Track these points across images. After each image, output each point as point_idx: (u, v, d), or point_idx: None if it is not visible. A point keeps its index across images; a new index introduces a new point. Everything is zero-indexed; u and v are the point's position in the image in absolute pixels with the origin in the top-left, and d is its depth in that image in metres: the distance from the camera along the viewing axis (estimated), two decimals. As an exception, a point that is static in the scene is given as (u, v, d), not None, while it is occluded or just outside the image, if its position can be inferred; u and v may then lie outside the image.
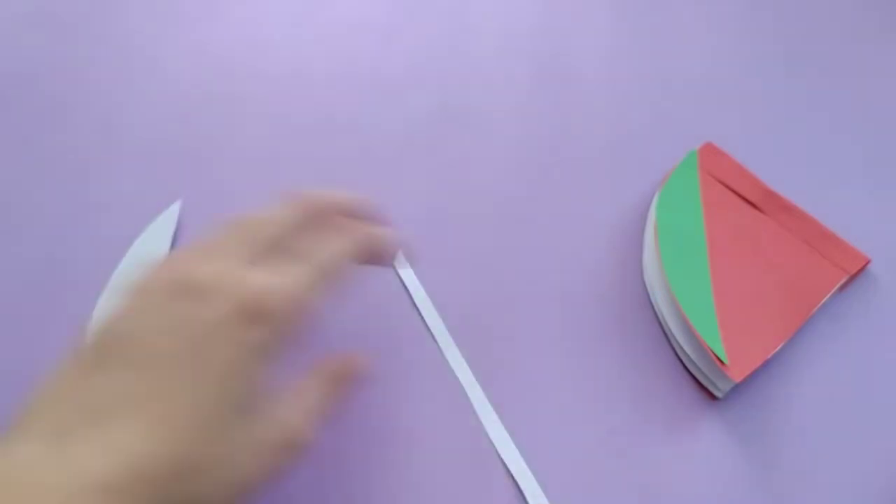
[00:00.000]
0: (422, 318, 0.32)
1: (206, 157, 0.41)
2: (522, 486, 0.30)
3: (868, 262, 0.35)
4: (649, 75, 0.43)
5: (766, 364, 0.33)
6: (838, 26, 0.45)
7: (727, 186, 0.37)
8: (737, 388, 0.33)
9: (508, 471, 0.31)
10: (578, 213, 0.38)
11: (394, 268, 0.32)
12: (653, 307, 0.35)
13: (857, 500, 0.30)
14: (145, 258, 0.37)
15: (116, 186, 0.40)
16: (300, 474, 0.30)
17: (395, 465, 0.31)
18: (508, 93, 0.42)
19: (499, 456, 0.31)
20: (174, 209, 0.38)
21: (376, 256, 0.29)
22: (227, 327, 0.23)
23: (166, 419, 0.22)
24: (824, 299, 0.34)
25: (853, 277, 0.35)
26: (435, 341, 0.32)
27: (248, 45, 0.45)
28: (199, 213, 0.38)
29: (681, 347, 0.33)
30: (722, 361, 0.31)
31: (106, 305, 0.35)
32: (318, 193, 0.29)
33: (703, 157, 0.38)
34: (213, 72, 0.44)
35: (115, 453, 0.21)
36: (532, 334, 0.34)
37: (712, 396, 0.33)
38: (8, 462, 0.21)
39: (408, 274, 0.32)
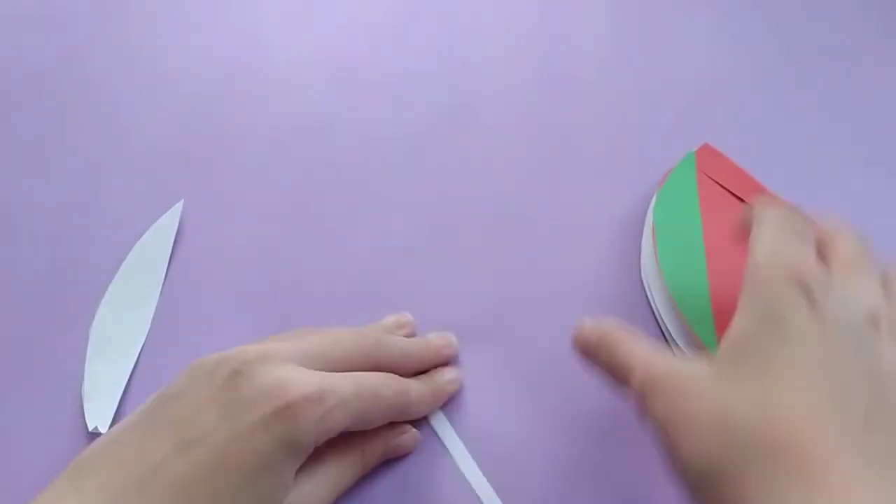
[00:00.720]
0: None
1: (207, 157, 0.41)
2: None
3: (863, 262, 0.35)
4: (647, 77, 0.43)
5: (763, 364, 0.34)
6: (836, 28, 0.45)
7: (724, 187, 0.38)
8: (733, 388, 0.33)
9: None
10: (577, 215, 0.38)
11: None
12: (650, 308, 0.35)
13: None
14: (147, 259, 0.37)
15: (118, 187, 0.40)
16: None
17: None
18: (508, 95, 0.43)
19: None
20: (176, 210, 0.38)
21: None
22: (260, 422, 0.24)
23: None
24: (820, 300, 0.34)
25: (849, 278, 0.35)
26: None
27: (249, 47, 0.45)
28: (201, 214, 0.39)
29: (678, 348, 0.34)
30: (718, 361, 0.32)
31: (108, 307, 0.36)
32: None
33: (700, 158, 0.38)
34: (215, 73, 0.44)
35: None
36: (530, 334, 0.35)
37: (709, 396, 0.33)
38: None
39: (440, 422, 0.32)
